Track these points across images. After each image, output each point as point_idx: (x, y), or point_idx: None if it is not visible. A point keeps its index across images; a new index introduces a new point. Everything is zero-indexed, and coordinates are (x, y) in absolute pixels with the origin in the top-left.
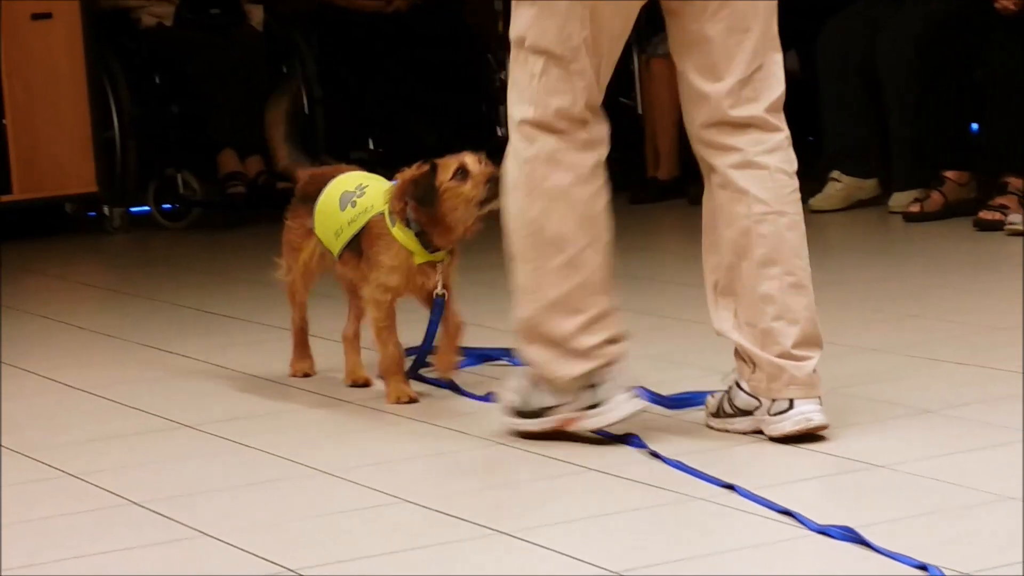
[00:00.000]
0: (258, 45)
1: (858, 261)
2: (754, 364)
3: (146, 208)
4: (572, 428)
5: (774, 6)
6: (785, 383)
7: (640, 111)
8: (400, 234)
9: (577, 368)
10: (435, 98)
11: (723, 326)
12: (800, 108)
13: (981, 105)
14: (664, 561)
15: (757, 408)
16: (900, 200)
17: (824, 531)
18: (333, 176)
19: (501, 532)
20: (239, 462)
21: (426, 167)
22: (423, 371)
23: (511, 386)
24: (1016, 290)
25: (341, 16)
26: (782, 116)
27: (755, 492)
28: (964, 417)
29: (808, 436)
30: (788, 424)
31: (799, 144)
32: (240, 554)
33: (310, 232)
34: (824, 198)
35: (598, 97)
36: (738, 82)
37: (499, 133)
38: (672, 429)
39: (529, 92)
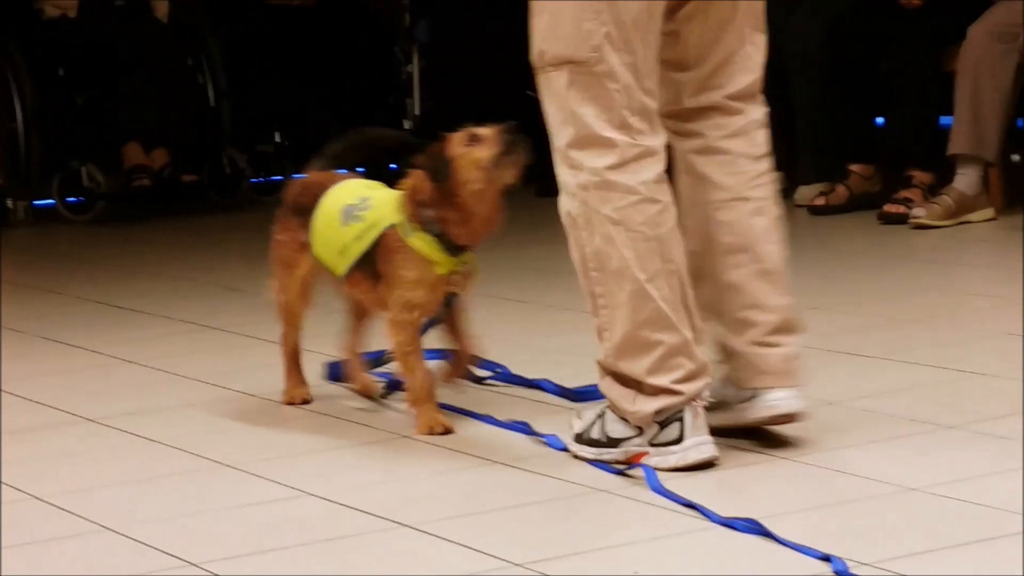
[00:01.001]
0: (164, 37)
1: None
2: (728, 354)
3: (50, 201)
4: (645, 462)
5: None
6: (757, 372)
7: None
8: (419, 243)
9: (652, 405)
10: (342, 91)
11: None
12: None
13: (886, 99)
14: (566, 554)
15: (732, 397)
16: (805, 193)
17: (728, 523)
18: (328, 185)
19: (403, 525)
20: (142, 456)
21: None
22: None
23: (583, 416)
24: (919, 283)
25: (248, 7)
26: (754, 99)
27: (660, 484)
28: (866, 409)
29: (736, 431)
30: (754, 411)
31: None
32: (143, 548)
33: (304, 247)
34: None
35: (642, 100)
36: (706, 72)
37: (406, 127)
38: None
39: (562, 112)
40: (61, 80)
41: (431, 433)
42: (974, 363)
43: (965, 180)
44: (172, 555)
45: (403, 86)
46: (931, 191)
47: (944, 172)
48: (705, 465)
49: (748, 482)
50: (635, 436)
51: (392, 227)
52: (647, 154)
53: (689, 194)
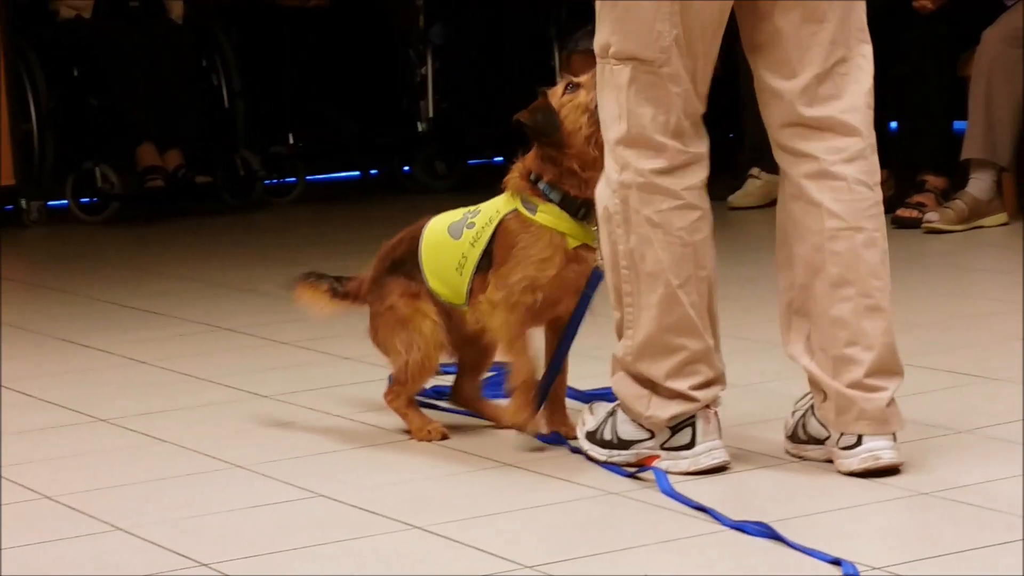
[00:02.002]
0: (178, 38)
1: (775, 257)
2: (824, 393)
3: (64, 202)
4: (656, 465)
5: None
6: (854, 416)
7: None
8: (546, 216)
9: (667, 411)
10: (356, 93)
11: (794, 350)
12: (721, 105)
13: (899, 103)
14: (577, 556)
15: (827, 438)
16: None
17: (739, 527)
18: (417, 231)
19: (415, 527)
20: (155, 457)
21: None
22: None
23: (595, 413)
24: (932, 287)
25: (262, 9)
26: (868, 115)
27: (671, 487)
28: None
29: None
30: (855, 461)
31: (719, 142)
32: (155, 548)
33: (417, 294)
34: (743, 195)
35: (697, 106)
36: (814, 77)
37: (419, 129)
38: None
39: (618, 107)
40: (75, 81)
41: (520, 429)
42: (987, 368)
43: (978, 185)
44: (183, 555)
45: (417, 88)
46: (944, 196)
47: (958, 177)
48: (716, 471)
49: (758, 485)
50: (647, 439)
51: (511, 212)
52: (694, 160)
53: (800, 221)
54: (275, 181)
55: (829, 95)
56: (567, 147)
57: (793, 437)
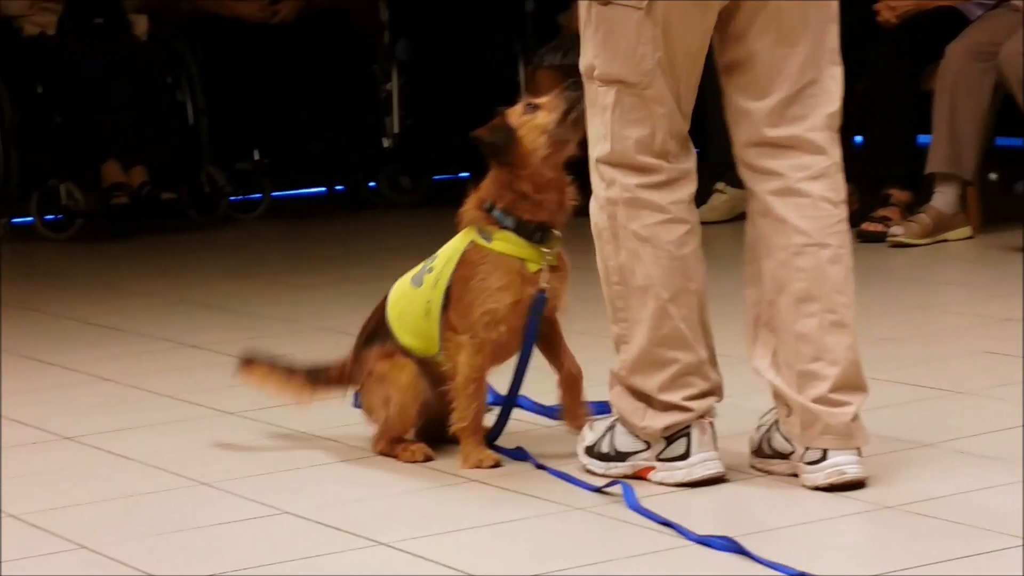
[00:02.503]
0: (142, 55)
1: (740, 272)
2: (789, 408)
3: (29, 219)
4: (651, 477)
5: (830, 16)
6: (819, 431)
7: None
8: (502, 244)
9: (661, 421)
10: (321, 109)
11: (760, 364)
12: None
13: (864, 117)
14: (544, 571)
15: (792, 453)
16: None
17: (705, 541)
18: (385, 298)
19: (381, 543)
20: (121, 474)
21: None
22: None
23: (594, 428)
24: (897, 301)
25: (227, 26)
26: (834, 137)
27: (638, 502)
28: None
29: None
30: (820, 476)
31: None
32: (120, 567)
33: (392, 352)
34: (709, 209)
35: (682, 125)
36: (783, 99)
37: (385, 145)
38: (554, 439)
39: (604, 127)
40: (40, 98)
41: (479, 467)
42: (951, 381)
43: (943, 199)
44: (149, 574)
45: (382, 104)
46: (909, 209)
47: (922, 191)
48: (711, 481)
49: (724, 500)
50: (643, 450)
51: (469, 245)
52: (681, 176)
53: (765, 238)
54: (241, 197)
55: (797, 116)
56: (523, 167)
57: (758, 452)
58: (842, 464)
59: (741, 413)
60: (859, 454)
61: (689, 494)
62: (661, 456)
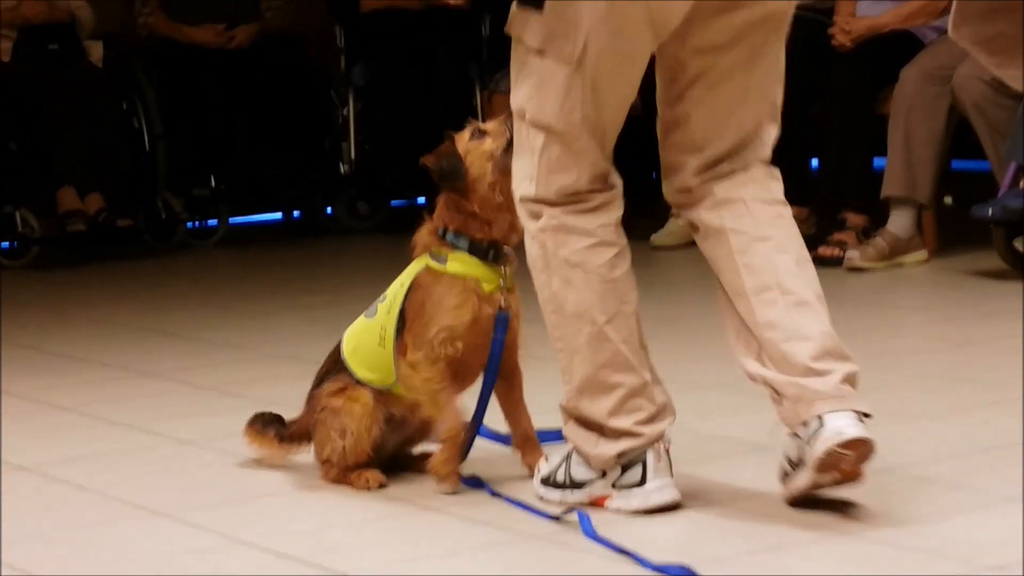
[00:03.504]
0: (98, 81)
1: (698, 297)
2: (781, 395)
3: None
4: (608, 505)
5: (775, 77)
6: (810, 399)
7: None
8: (457, 265)
9: (614, 448)
10: (278, 135)
11: (748, 366)
12: (641, 145)
13: (819, 141)
14: None
15: (804, 449)
16: None
17: (661, 569)
18: (339, 343)
19: (337, 573)
20: (74, 504)
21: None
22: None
23: (550, 460)
24: (853, 325)
25: (182, 52)
26: (766, 168)
27: (594, 530)
28: None
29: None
30: (820, 444)
31: (642, 182)
32: None
33: (346, 388)
34: (666, 235)
35: (605, 165)
36: (716, 157)
37: (342, 170)
38: (510, 463)
39: (532, 168)
40: None
41: (440, 480)
42: (907, 405)
43: (899, 222)
44: None
45: (339, 129)
46: (865, 233)
47: (878, 215)
48: (668, 508)
49: (681, 527)
50: (598, 479)
51: (422, 270)
52: (606, 201)
53: (713, 255)
54: (197, 224)
55: (726, 172)
56: (471, 192)
57: (785, 478)
58: (840, 426)
59: (696, 438)
60: (860, 418)
61: (645, 521)
62: (617, 483)
